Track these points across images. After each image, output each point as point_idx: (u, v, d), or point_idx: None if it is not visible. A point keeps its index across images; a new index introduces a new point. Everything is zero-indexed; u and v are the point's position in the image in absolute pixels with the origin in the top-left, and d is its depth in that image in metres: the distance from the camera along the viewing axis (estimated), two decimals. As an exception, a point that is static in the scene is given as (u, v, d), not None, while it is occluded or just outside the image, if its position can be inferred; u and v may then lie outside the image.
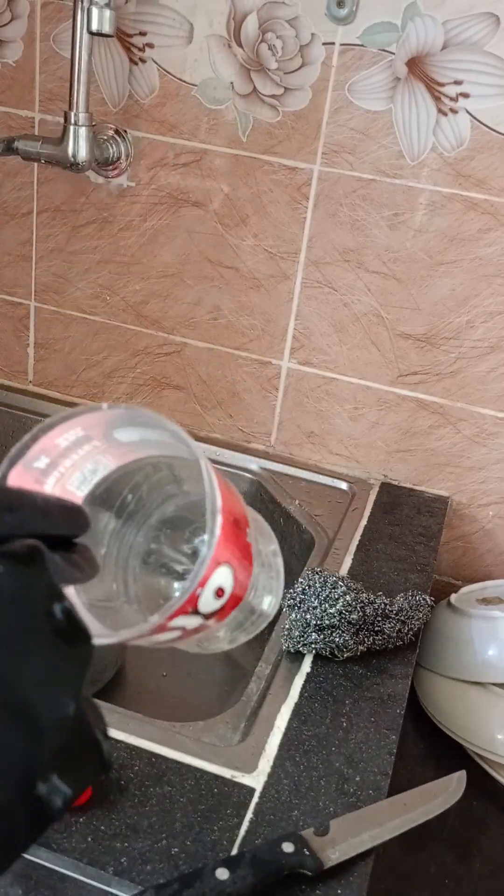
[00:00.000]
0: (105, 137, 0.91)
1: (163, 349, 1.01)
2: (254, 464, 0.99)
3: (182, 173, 0.91)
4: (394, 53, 0.80)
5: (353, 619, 0.65)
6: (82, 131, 0.86)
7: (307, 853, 0.47)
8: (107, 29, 0.80)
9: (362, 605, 0.67)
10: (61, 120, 0.87)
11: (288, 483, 0.96)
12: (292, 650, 0.66)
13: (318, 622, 0.65)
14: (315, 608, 0.65)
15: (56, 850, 0.47)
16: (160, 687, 0.88)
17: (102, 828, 0.49)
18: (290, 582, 0.85)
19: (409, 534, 0.87)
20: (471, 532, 0.97)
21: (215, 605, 0.38)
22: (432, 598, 0.74)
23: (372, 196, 0.86)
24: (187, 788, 0.52)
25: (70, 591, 0.34)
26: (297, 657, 0.66)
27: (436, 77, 0.80)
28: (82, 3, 0.79)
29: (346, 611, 0.65)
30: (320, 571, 0.70)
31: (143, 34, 0.87)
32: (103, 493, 0.41)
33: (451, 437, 0.94)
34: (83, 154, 0.86)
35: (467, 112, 0.80)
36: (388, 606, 0.68)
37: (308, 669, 0.65)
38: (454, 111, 0.81)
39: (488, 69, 0.78)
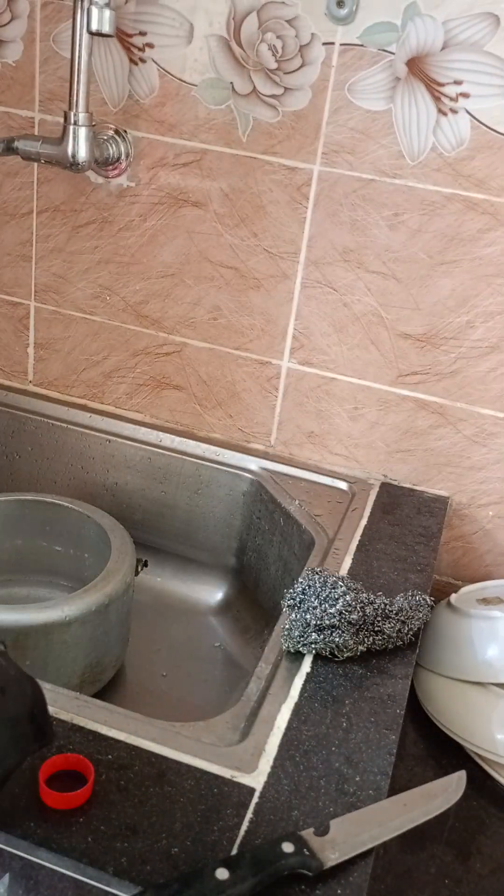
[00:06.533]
0: (105, 137, 0.91)
1: (163, 349, 1.01)
2: (254, 464, 0.99)
3: (182, 173, 0.91)
4: (394, 53, 0.80)
5: (353, 619, 0.65)
6: (82, 131, 0.86)
7: (307, 853, 0.47)
8: (107, 29, 0.80)
9: (362, 605, 0.67)
10: (61, 120, 0.87)
11: (288, 483, 0.96)
12: (292, 650, 0.66)
13: (318, 622, 0.65)
14: (315, 608, 0.65)
15: (56, 850, 0.47)
16: (160, 687, 0.88)
17: (102, 828, 0.49)
18: (290, 582, 0.86)
19: (409, 534, 0.87)
20: (471, 532, 0.97)
21: None
22: (432, 598, 0.74)
23: (372, 196, 0.86)
24: (187, 788, 0.52)
25: None
26: (297, 657, 0.66)
27: (436, 77, 0.80)
28: (82, 3, 0.79)
29: (346, 611, 0.65)
30: (320, 571, 0.70)
31: (143, 34, 0.87)
32: None
33: (450, 437, 0.94)
34: (83, 154, 0.86)
35: (467, 112, 0.80)
36: (388, 606, 0.69)
37: (308, 669, 0.65)
38: (454, 111, 0.81)
39: (488, 69, 0.78)
